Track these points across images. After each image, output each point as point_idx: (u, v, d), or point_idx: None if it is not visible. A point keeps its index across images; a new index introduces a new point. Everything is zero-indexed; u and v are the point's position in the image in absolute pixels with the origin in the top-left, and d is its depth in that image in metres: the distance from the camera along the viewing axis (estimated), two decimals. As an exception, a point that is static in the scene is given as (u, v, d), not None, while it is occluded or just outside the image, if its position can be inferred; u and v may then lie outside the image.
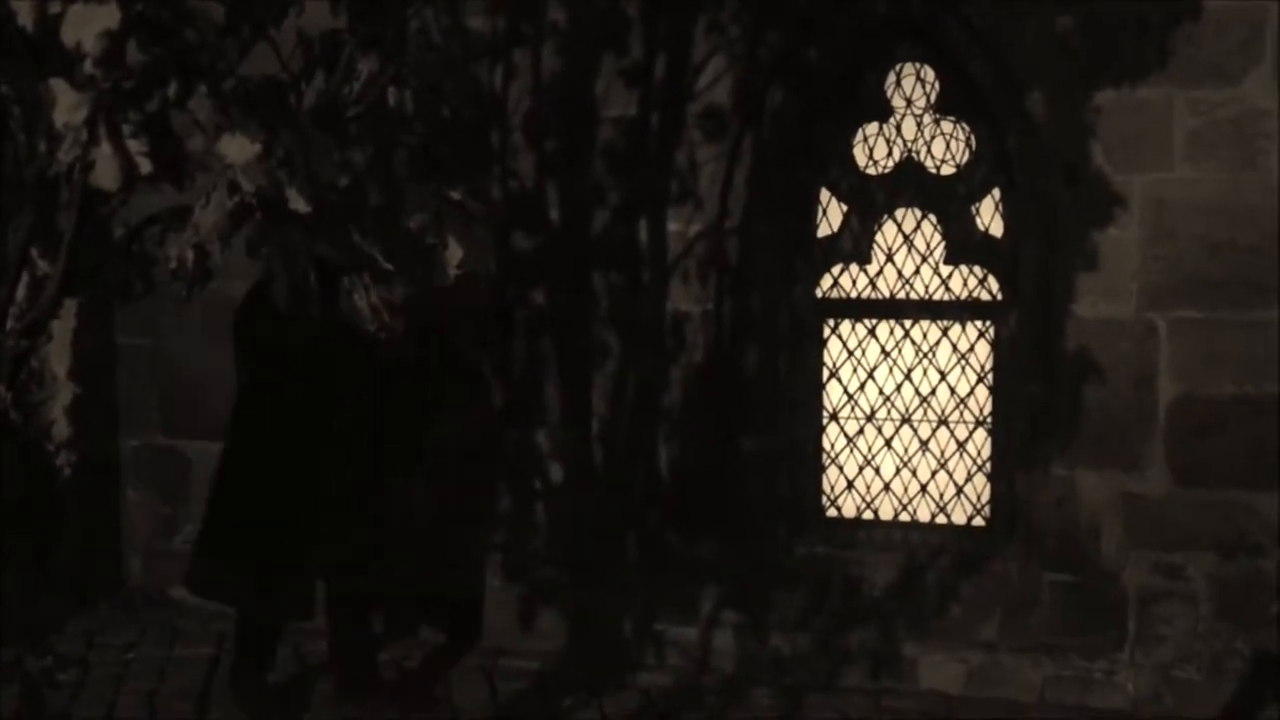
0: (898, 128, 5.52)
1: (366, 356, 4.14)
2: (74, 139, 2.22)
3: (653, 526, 5.66)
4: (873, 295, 5.62)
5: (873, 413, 5.63)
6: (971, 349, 5.50)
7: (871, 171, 5.57)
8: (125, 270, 2.82)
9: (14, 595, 3.42)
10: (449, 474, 4.74)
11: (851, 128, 5.57)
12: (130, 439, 6.47)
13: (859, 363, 5.65)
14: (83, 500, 6.10)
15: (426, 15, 3.33)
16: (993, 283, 5.46)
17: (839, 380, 5.67)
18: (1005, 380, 5.42)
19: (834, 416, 5.68)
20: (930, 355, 5.55)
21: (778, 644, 5.51)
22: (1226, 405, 4.98)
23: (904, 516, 5.61)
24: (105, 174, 2.27)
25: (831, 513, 5.70)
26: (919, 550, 5.45)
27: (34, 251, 2.50)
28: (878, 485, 5.64)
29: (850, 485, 5.67)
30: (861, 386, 5.64)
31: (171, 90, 2.31)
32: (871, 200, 5.57)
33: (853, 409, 5.66)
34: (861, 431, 5.65)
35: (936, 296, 5.53)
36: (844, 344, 5.66)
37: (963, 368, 5.51)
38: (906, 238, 5.55)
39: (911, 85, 5.50)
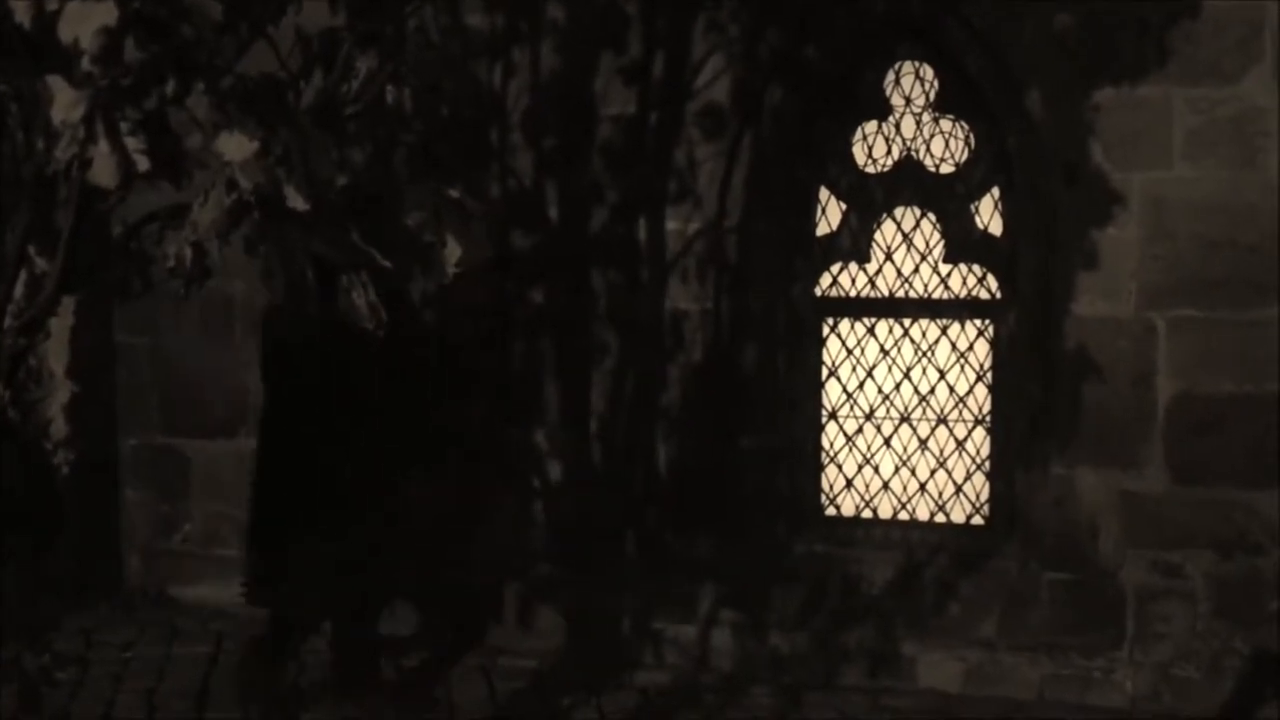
0: (897, 126, 5.52)
1: (385, 355, 4.18)
2: (72, 136, 2.22)
3: (651, 525, 5.65)
4: (872, 294, 5.61)
5: (872, 411, 5.63)
6: (970, 348, 5.50)
7: (870, 170, 5.57)
8: (124, 268, 2.83)
9: (12, 594, 3.43)
10: (459, 472, 4.76)
11: (851, 126, 5.56)
12: (129, 438, 6.47)
13: (858, 361, 5.64)
14: (81, 499, 6.08)
15: (425, 13, 3.34)
16: (992, 281, 5.45)
17: (838, 379, 5.67)
18: (1004, 379, 5.42)
19: (833, 415, 5.68)
20: (929, 354, 5.54)
21: (776, 642, 5.51)
22: (1225, 404, 4.97)
23: (903, 515, 5.60)
24: (103, 171, 2.27)
25: (830, 511, 5.70)
26: (918, 549, 5.45)
27: (32, 249, 2.50)
28: (877, 484, 5.64)
29: (849, 484, 5.67)
30: (860, 385, 5.64)
31: (169, 88, 2.31)
32: (870, 199, 5.57)
33: (852, 407, 5.65)
34: (860, 430, 5.65)
35: (935, 295, 5.53)
36: (843, 342, 5.66)
37: (962, 366, 5.51)
38: (905, 236, 5.55)
39: (911, 84, 5.50)
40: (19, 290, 2.53)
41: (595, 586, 5.67)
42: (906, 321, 5.57)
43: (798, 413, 5.65)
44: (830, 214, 5.63)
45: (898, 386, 5.58)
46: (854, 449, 5.65)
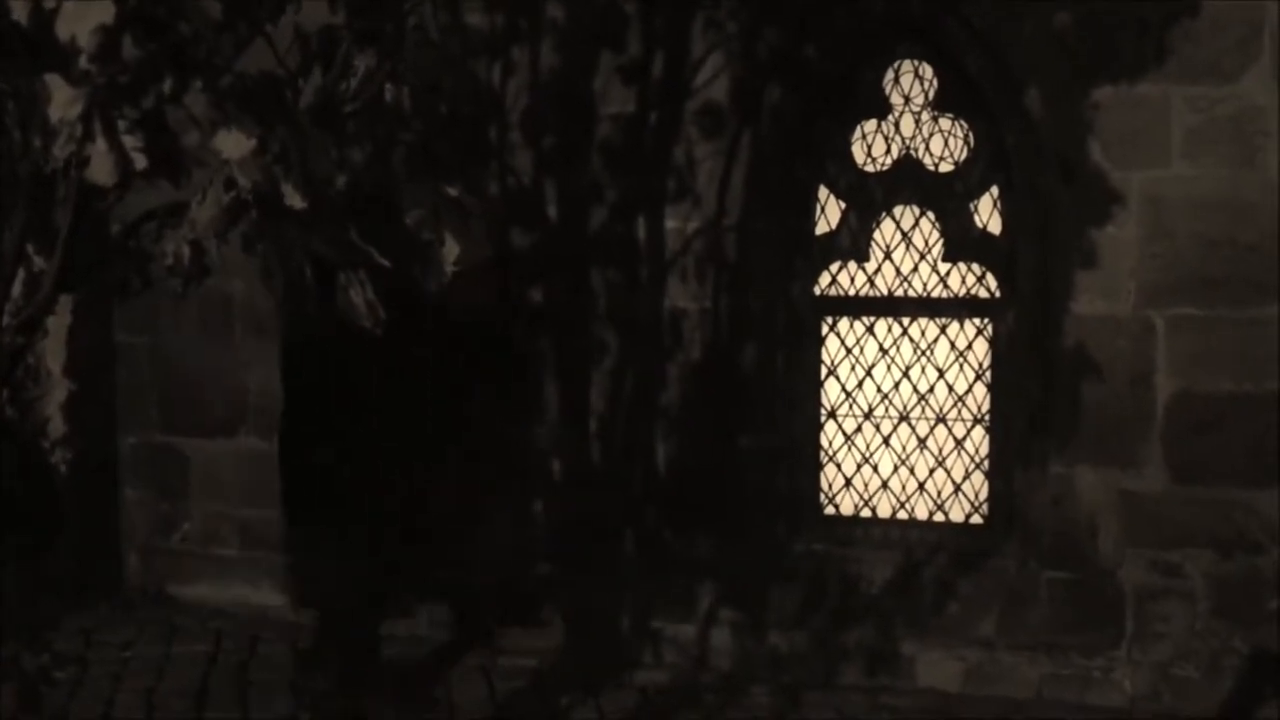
0: (896, 125, 5.52)
1: (393, 354, 4.21)
2: (69, 134, 2.22)
3: (650, 524, 5.65)
4: (871, 293, 5.61)
5: (871, 410, 5.63)
6: (969, 346, 5.50)
7: (870, 169, 5.56)
8: (122, 267, 2.83)
9: (12, 593, 3.43)
10: (460, 470, 4.77)
11: (850, 125, 5.56)
12: (128, 437, 6.47)
13: (857, 360, 5.64)
14: (81, 498, 6.12)
15: (424, 11, 3.34)
16: (991, 280, 5.45)
17: (837, 378, 5.67)
18: (1003, 378, 5.42)
19: (832, 414, 5.68)
20: (928, 353, 5.54)
21: (776, 642, 5.51)
22: (1224, 403, 4.97)
23: (902, 514, 5.60)
24: (100, 169, 2.27)
25: (829, 510, 5.70)
26: (917, 548, 5.45)
27: (30, 248, 2.50)
28: (876, 483, 5.64)
29: (848, 483, 5.67)
30: (860, 384, 5.64)
31: (167, 86, 2.31)
32: (870, 198, 5.57)
33: (851, 406, 5.65)
34: (860, 429, 5.65)
35: (935, 294, 5.52)
36: (842, 341, 5.66)
37: (961, 365, 5.50)
38: (905, 235, 5.55)
39: (910, 83, 5.50)
40: (17, 288, 2.53)
41: (594, 585, 5.67)
42: (905, 320, 5.57)
43: (797, 412, 5.65)
44: (829, 213, 5.63)
45: (897, 385, 5.58)
46: (853, 448, 5.65)
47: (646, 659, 5.62)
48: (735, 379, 5.58)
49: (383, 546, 4.86)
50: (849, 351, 5.65)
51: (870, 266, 5.60)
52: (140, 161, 2.31)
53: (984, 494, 5.50)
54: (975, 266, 5.47)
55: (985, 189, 5.43)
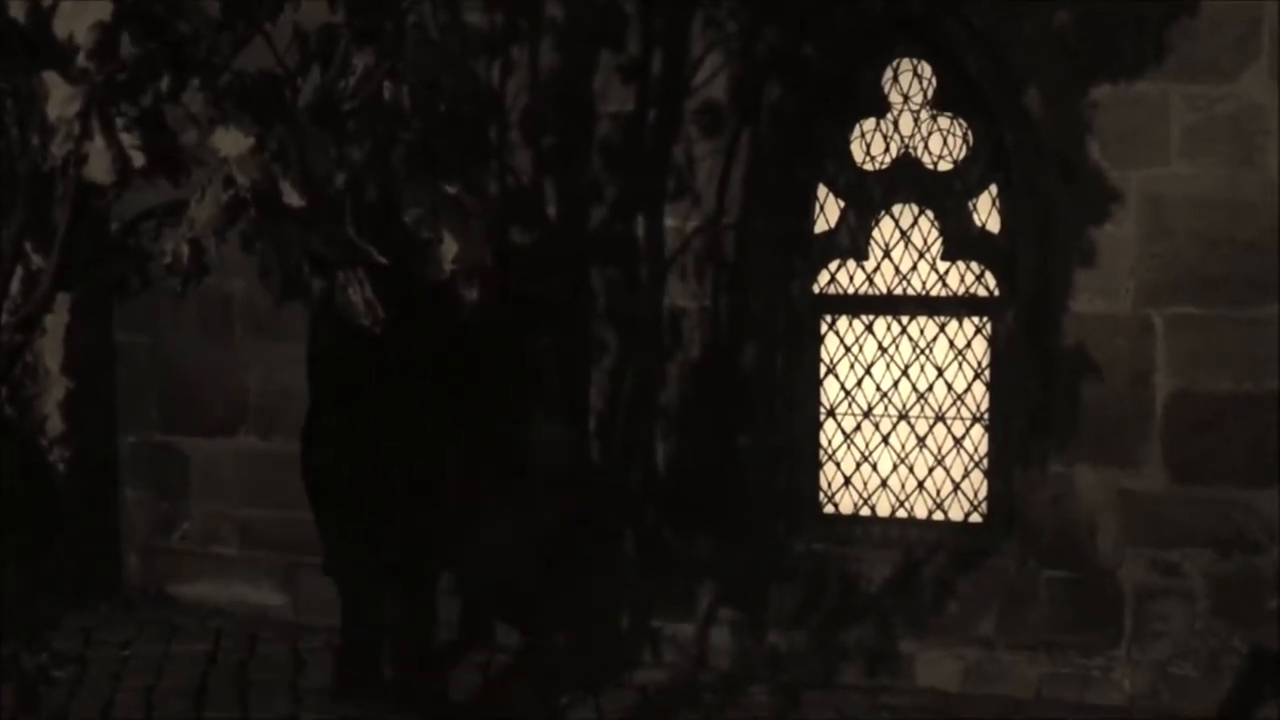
0: (895, 124, 5.52)
1: (408, 353, 4.23)
2: (67, 132, 2.22)
3: (650, 523, 5.65)
4: (870, 291, 5.61)
5: (870, 409, 5.63)
6: (969, 345, 5.50)
7: (869, 167, 5.57)
8: (121, 266, 2.83)
9: (11, 592, 3.43)
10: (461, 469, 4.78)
11: (849, 124, 5.56)
12: (128, 436, 6.47)
13: (856, 359, 5.64)
14: (80, 497, 6.11)
15: (424, 10, 3.33)
16: (990, 279, 5.45)
17: (836, 376, 5.67)
18: (1002, 377, 5.42)
19: (831, 413, 5.68)
20: (927, 351, 5.54)
21: (775, 641, 5.51)
22: (1224, 402, 4.97)
23: (901, 513, 5.60)
24: (98, 168, 2.27)
25: (829, 509, 5.70)
26: (916, 547, 5.45)
27: (28, 245, 2.50)
28: (875, 482, 5.64)
29: (847, 482, 5.67)
30: (859, 383, 5.64)
31: (165, 84, 2.31)
32: (869, 196, 5.57)
33: (850, 405, 5.65)
34: (859, 428, 5.65)
35: (934, 292, 5.53)
36: (841, 340, 5.66)
37: (960, 364, 5.50)
38: (904, 234, 5.55)
39: (909, 81, 5.50)
40: (15, 286, 2.53)
41: (594, 584, 5.67)
42: (905, 319, 5.57)
43: (796, 410, 5.65)
44: (828, 211, 5.63)
45: (896, 384, 5.59)
46: (852, 447, 5.65)
47: (646, 658, 5.62)
48: (734, 378, 5.58)
49: (382, 546, 4.86)
50: (848, 350, 5.65)
51: (869, 265, 5.60)
52: (138, 159, 2.30)
53: (983, 493, 5.50)
54: (974, 265, 5.47)
55: (984, 188, 5.43)
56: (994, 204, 5.43)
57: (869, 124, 5.55)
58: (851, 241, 5.60)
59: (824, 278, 5.65)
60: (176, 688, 5.32)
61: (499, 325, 4.79)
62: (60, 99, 2.23)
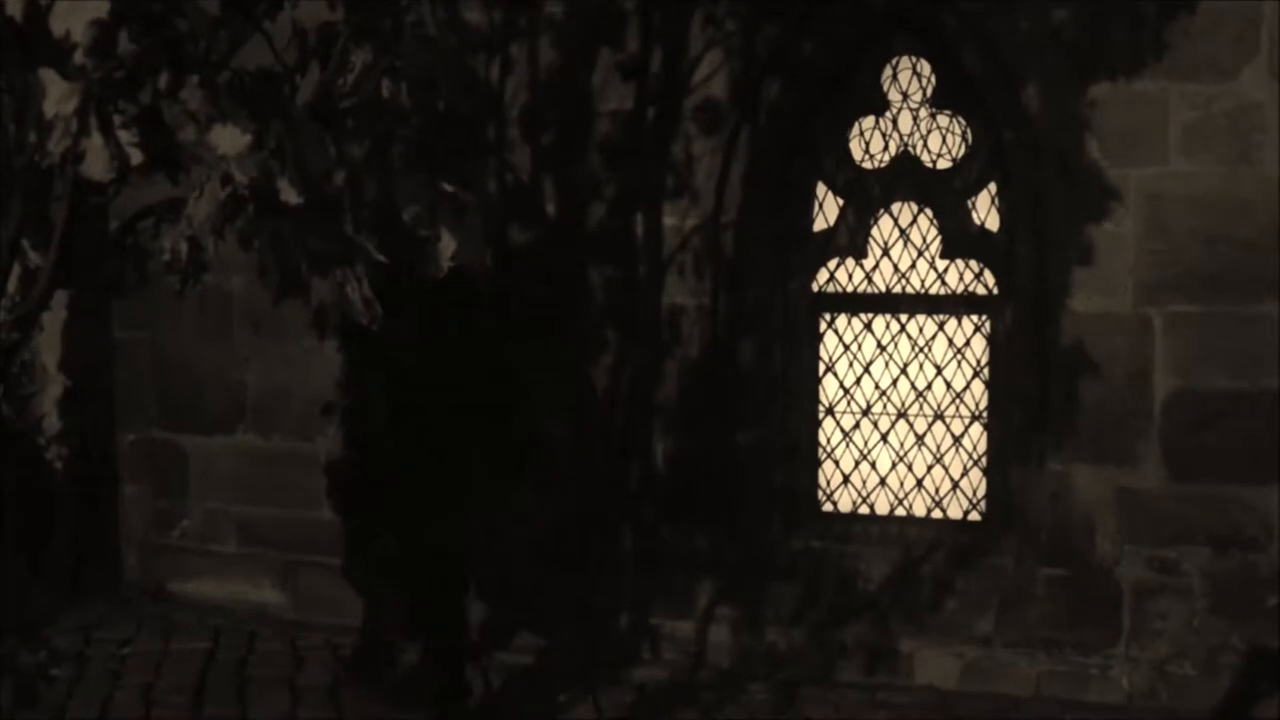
0: (894, 121, 5.52)
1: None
2: (64, 129, 2.22)
3: (648, 521, 5.65)
4: (868, 289, 5.62)
5: (869, 407, 5.63)
6: (967, 343, 5.50)
7: (867, 165, 5.57)
8: (119, 263, 2.83)
9: (10, 589, 3.43)
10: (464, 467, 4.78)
11: (847, 121, 5.56)
12: (127, 433, 6.48)
13: (855, 357, 5.64)
14: (80, 494, 6.11)
15: (423, 8, 3.33)
16: (988, 277, 5.45)
17: (835, 374, 5.67)
18: (1001, 375, 5.42)
19: (830, 411, 5.68)
20: (926, 349, 5.54)
21: (774, 639, 5.51)
22: (1222, 400, 4.97)
23: (900, 511, 5.61)
24: (96, 165, 2.27)
25: (827, 507, 5.70)
26: (915, 544, 5.45)
27: (26, 243, 2.50)
28: (874, 479, 5.64)
29: (846, 479, 5.67)
30: (857, 381, 5.64)
31: (163, 81, 2.31)
32: (867, 194, 5.57)
33: (849, 403, 5.65)
34: (857, 426, 5.65)
35: (932, 291, 5.53)
36: (840, 338, 5.66)
37: (958, 362, 5.51)
38: (902, 232, 5.55)
39: (907, 79, 5.50)
40: (13, 284, 2.53)
41: (593, 582, 5.67)
42: (903, 317, 5.57)
43: (795, 408, 5.65)
44: (827, 209, 5.63)
45: (894, 382, 5.59)
46: (851, 444, 5.66)
47: (645, 655, 5.63)
48: (733, 376, 5.58)
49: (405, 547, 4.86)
50: (847, 348, 5.65)
51: (868, 263, 5.60)
52: (136, 157, 2.30)
53: (982, 491, 5.50)
54: (973, 263, 5.48)
55: (983, 186, 5.43)
56: (993, 202, 5.43)
57: (868, 122, 5.55)
58: (850, 239, 5.60)
59: (823, 276, 5.65)
60: (175, 685, 5.33)
61: (498, 324, 4.79)
62: (58, 96, 2.23)
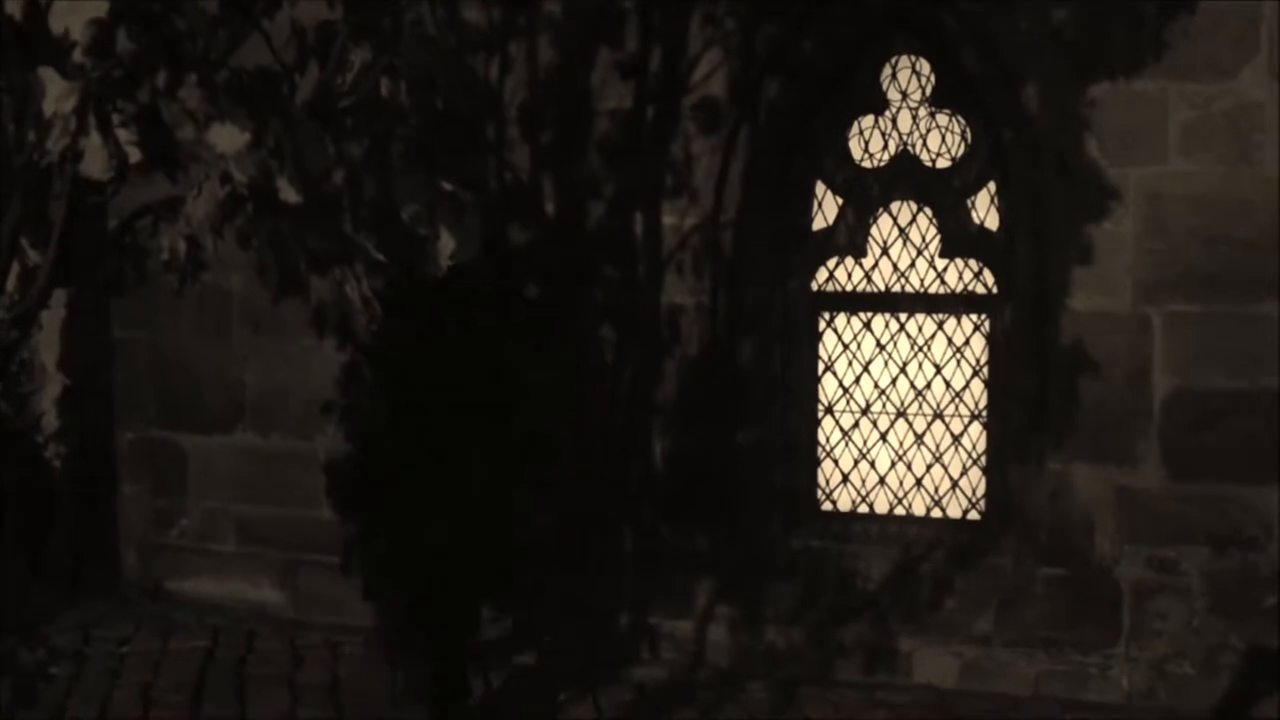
0: (893, 121, 5.52)
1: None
2: (63, 128, 2.22)
3: (648, 520, 5.65)
4: (868, 288, 5.61)
5: (868, 406, 5.63)
6: (967, 342, 5.50)
7: (867, 164, 5.56)
8: (118, 262, 2.83)
9: (9, 588, 3.43)
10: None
11: (847, 120, 5.56)
12: (126, 432, 6.47)
13: (854, 356, 5.64)
14: (78, 493, 6.11)
15: (421, 7, 3.33)
16: (988, 276, 5.45)
17: (834, 373, 5.67)
18: (1000, 374, 5.42)
19: (829, 410, 5.68)
20: (925, 349, 5.54)
21: (773, 638, 5.51)
22: (1221, 399, 4.97)
23: (899, 510, 5.61)
24: (95, 163, 2.27)
25: (826, 506, 5.70)
26: (914, 544, 5.45)
27: (24, 241, 2.49)
28: (873, 479, 5.64)
29: (845, 479, 5.67)
30: (857, 380, 5.64)
31: (161, 80, 2.30)
32: (867, 193, 5.57)
33: (848, 402, 5.65)
34: (857, 425, 5.65)
35: (932, 290, 5.53)
36: (839, 337, 5.66)
37: (958, 361, 5.51)
38: (902, 231, 5.55)
39: (907, 78, 5.50)
40: (11, 282, 2.53)
41: (592, 581, 5.67)
42: (903, 316, 5.57)
43: (794, 407, 5.65)
44: (827, 208, 5.63)
45: (894, 381, 5.59)
46: (850, 444, 5.65)
47: (644, 655, 5.63)
48: (732, 374, 5.58)
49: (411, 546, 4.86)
50: (846, 347, 5.65)
51: (867, 262, 5.60)
52: (135, 155, 2.30)
53: (981, 490, 5.50)
54: (972, 262, 5.47)
55: (982, 185, 5.43)
56: (992, 201, 5.43)
57: (867, 121, 5.55)
58: (850, 238, 5.60)
59: (822, 275, 5.65)
60: (174, 684, 5.32)
61: (497, 323, 4.79)
62: (56, 95, 2.23)
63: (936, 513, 5.55)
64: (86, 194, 2.47)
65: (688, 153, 5.49)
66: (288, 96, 2.66)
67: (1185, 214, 4.97)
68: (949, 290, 5.51)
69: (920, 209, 5.52)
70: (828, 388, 5.68)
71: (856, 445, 5.65)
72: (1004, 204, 5.39)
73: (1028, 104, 5.12)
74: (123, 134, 2.27)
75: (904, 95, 5.51)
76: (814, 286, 5.66)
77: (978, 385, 5.49)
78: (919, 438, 5.56)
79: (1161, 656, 5.09)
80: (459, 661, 4.88)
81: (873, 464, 5.63)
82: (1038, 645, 5.23)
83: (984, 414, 5.48)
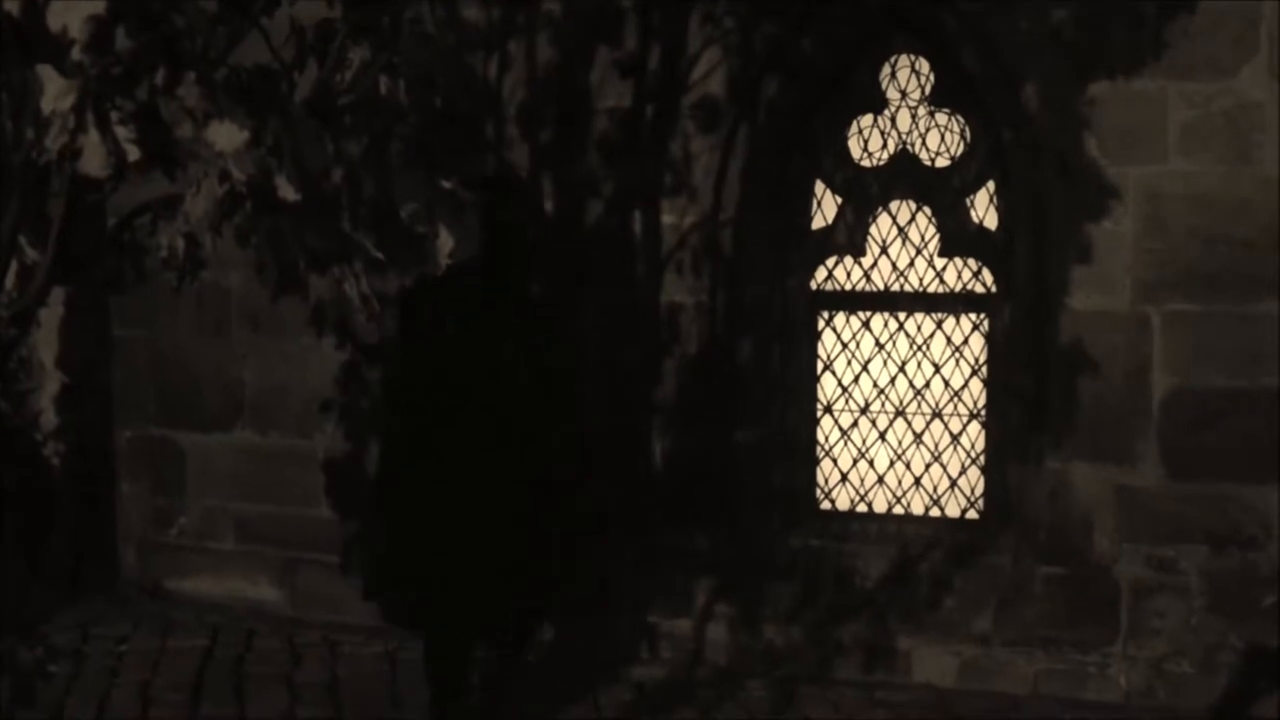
0: (892, 120, 5.52)
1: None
2: (62, 126, 2.22)
3: (646, 519, 5.65)
4: (867, 287, 5.61)
5: (867, 405, 5.63)
6: (965, 341, 5.50)
7: (866, 163, 5.56)
8: (117, 260, 2.83)
9: (7, 587, 3.44)
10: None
11: (846, 119, 5.56)
12: (125, 430, 6.47)
13: (853, 355, 5.64)
14: (77, 491, 6.11)
15: (421, 6, 3.33)
16: (987, 275, 5.45)
17: (833, 373, 5.67)
18: (999, 373, 5.42)
19: (828, 409, 5.68)
20: (924, 348, 5.54)
21: (772, 637, 5.51)
22: (1220, 398, 4.97)
23: (898, 509, 5.61)
24: (93, 161, 2.27)
25: (825, 505, 5.70)
26: (912, 543, 5.45)
27: (23, 239, 2.49)
28: (872, 478, 5.64)
29: (844, 478, 5.67)
30: (856, 379, 5.64)
31: (160, 77, 2.30)
32: (866, 192, 5.57)
33: (847, 401, 5.65)
34: (855, 424, 5.65)
35: (931, 289, 5.53)
36: (838, 336, 5.66)
37: (957, 360, 5.51)
38: (901, 230, 5.55)
39: (906, 77, 5.50)
40: (10, 280, 2.53)
41: (591, 580, 5.66)
42: (902, 315, 5.57)
43: (793, 406, 5.65)
44: (826, 207, 5.63)
45: (893, 380, 5.59)
46: (849, 443, 5.65)
47: (643, 654, 5.62)
48: (731, 373, 5.58)
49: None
50: (845, 346, 5.65)
51: (866, 261, 5.60)
52: (133, 153, 2.30)
53: (980, 489, 5.50)
54: (971, 262, 5.47)
55: (981, 184, 5.43)
56: (991, 200, 5.43)
57: (866, 120, 5.55)
58: (849, 237, 5.60)
59: (821, 274, 5.65)
60: (173, 682, 5.32)
61: (496, 322, 4.78)
62: (55, 92, 2.23)
63: (935, 512, 5.56)
64: (85, 192, 2.47)
65: (687, 151, 5.49)
66: (286, 94, 2.66)
67: (1185, 213, 4.97)
68: (948, 289, 5.51)
69: (919, 208, 5.52)
70: (827, 387, 5.68)
71: (855, 444, 5.65)
72: (1003, 203, 5.39)
73: (1027, 103, 5.12)
74: (121, 132, 2.27)
75: (903, 94, 5.51)
76: (813, 285, 5.66)
77: (977, 384, 5.49)
78: (918, 437, 5.56)
79: (1160, 655, 5.09)
80: (458, 661, 4.88)
81: (872, 463, 5.63)
82: (1036, 644, 5.23)
83: (983, 413, 5.48)
